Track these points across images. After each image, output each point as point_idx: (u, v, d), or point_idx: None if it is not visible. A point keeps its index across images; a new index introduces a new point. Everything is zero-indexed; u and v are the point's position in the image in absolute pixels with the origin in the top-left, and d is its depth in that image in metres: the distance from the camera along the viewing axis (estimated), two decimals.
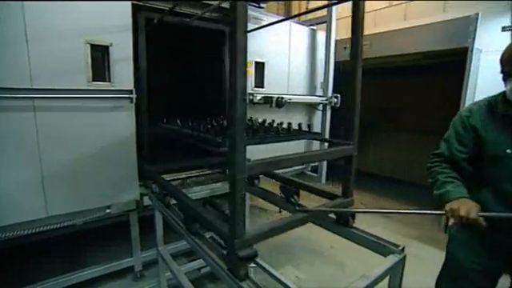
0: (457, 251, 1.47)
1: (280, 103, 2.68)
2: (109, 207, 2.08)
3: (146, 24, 2.18)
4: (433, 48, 3.56)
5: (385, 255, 1.33)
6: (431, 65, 4.23)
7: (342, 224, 1.52)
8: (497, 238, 1.30)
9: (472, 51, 3.23)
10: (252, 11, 2.75)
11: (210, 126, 1.78)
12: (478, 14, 3.18)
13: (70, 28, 1.80)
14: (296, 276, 2.60)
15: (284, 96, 2.76)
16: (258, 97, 2.73)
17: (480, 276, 1.39)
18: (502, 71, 1.26)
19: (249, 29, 2.38)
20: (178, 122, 2.01)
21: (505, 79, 1.26)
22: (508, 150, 1.24)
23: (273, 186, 1.99)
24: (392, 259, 1.29)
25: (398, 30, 3.79)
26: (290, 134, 1.73)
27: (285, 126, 1.84)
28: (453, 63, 3.52)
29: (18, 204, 1.77)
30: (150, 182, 2.14)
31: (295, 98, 3.00)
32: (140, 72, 2.16)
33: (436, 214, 1.26)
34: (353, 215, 1.51)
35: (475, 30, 3.20)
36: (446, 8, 4.09)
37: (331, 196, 1.63)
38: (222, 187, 2.35)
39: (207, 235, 1.53)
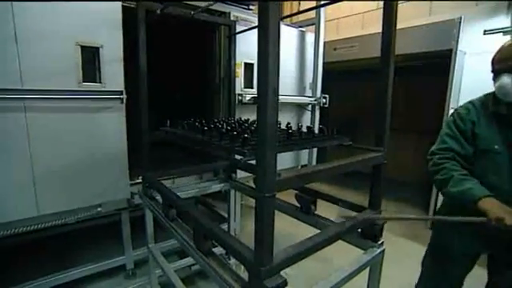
0: (445, 238, 1.59)
1: None
2: (100, 206, 2.11)
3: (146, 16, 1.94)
4: (418, 50, 3.67)
5: (366, 249, 1.40)
6: (415, 67, 4.35)
7: (368, 238, 1.41)
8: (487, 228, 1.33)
9: (456, 53, 3.34)
10: (241, 13, 2.79)
11: (224, 131, 1.46)
12: (460, 18, 3.30)
13: (61, 29, 1.82)
14: (285, 272, 2.67)
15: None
16: (248, 97, 2.78)
17: (463, 258, 1.54)
18: (493, 70, 1.39)
19: (237, 30, 2.45)
20: (185, 125, 1.82)
21: (494, 78, 1.38)
22: (496, 146, 1.37)
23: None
24: (371, 252, 1.37)
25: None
26: (314, 138, 1.47)
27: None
28: (436, 65, 3.64)
29: (8, 203, 1.79)
30: (151, 190, 1.98)
31: (284, 99, 3.06)
32: (141, 70, 1.93)
33: (478, 222, 1.22)
34: (381, 230, 1.39)
35: (459, 33, 3.31)
36: (433, 11, 4.21)
37: (355, 207, 1.52)
38: (210, 186, 2.34)
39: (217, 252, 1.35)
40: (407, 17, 4.21)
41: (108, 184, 2.14)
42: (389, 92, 1.33)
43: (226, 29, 2.66)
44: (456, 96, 3.64)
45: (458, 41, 3.32)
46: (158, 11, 1.94)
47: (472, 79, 3.62)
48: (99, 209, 2.11)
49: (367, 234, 1.41)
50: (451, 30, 3.35)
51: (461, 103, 3.65)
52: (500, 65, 1.35)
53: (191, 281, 2.53)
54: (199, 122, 1.82)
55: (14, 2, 1.65)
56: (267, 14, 0.80)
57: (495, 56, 1.40)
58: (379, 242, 1.41)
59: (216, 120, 2.13)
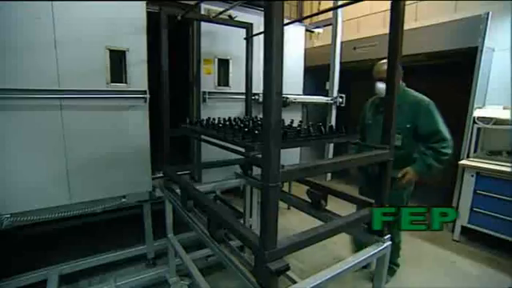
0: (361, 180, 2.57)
1: (284, 103, 2.80)
2: (124, 197, 2.29)
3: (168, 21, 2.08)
4: (442, 48, 3.55)
5: (370, 244, 1.44)
6: (439, 65, 4.20)
7: (375, 233, 1.45)
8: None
9: (482, 50, 3.20)
10: (212, 6, 2.61)
11: (237, 128, 1.58)
12: (488, 14, 3.16)
13: (92, 35, 2.01)
14: (300, 268, 2.72)
15: (289, 96, 2.87)
16: (219, 96, 2.76)
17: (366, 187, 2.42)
18: (373, 79, 2.24)
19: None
20: (203, 123, 1.95)
21: (373, 84, 2.25)
22: (369, 121, 2.42)
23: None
24: (376, 247, 1.41)
25: (406, 31, 3.80)
26: (322, 136, 1.51)
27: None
28: (460, 63, 3.50)
29: (45, 191, 2.00)
30: (170, 183, 2.15)
31: (300, 98, 3.09)
32: (163, 71, 2.08)
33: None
34: (388, 225, 1.45)
35: (485, 29, 3.18)
36: (458, 7, 4.05)
37: (362, 202, 1.59)
38: (227, 182, 2.44)
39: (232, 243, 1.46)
40: (431, 14, 4.09)
41: (132, 177, 2.31)
42: (395, 91, 1.37)
43: (198, 24, 2.56)
44: (483, 94, 3.49)
45: (484, 37, 3.19)
46: (179, 17, 2.07)
47: (500, 77, 3.45)
48: (123, 200, 2.28)
49: (374, 230, 1.45)
50: (478, 26, 3.22)
51: (488, 101, 3.52)
52: (375, 76, 2.22)
53: (207, 271, 2.65)
54: (217, 120, 1.94)
55: (55, 11, 1.85)
56: (271, 13, 0.87)
57: (372, 70, 2.26)
58: (385, 237, 1.43)
59: (233, 118, 2.18)
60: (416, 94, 2.26)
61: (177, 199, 1.94)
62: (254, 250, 1.09)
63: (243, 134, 1.37)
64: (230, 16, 2.45)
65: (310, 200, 1.75)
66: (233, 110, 2.74)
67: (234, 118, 2.14)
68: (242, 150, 1.45)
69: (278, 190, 0.97)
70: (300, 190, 2.30)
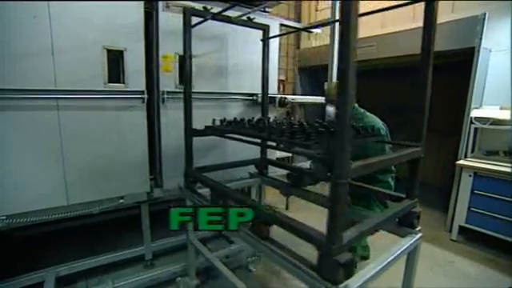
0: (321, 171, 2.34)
1: (283, 103, 2.80)
2: (122, 198, 2.27)
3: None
4: (439, 48, 3.56)
5: (403, 236, 1.49)
6: (437, 65, 4.21)
7: (405, 225, 1.52)
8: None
9: (479, 51, 3.22)
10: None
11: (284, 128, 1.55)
12: (484, 14, 3.18)
13: (90, 35, 1.99)
14: None
15: (287, 96, 2.87)
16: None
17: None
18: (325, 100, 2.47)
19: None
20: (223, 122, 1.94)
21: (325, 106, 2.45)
22: None
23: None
24: (410, 238, 1.45)
25: (404, 31, 3.82)
26: (359, 134, 1.53)
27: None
28: (457, 63, 3.52)
29: (41, 192, 1.97)
30: (193, 184, 2.13)
31: (298, 99, 3.10)
32: (185, 72, 2.04)
33: None
34: (418, 217, 1.52)
35: (482, 30, 3.19)
36: (456, 8, 4.07)
37: (392, 197, 1.65)
38: (242, 181, 2.44)
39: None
40: None
41: (130, 177, 2.30)
42: (428, 89, 1.42)
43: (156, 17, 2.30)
44: (480, 94, 3.50)
45: (481, 38, 3.21)
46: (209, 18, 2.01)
47: (497, 77, 3.47)
48: (121, 200, 2.27)
49: (405, 222, 1.52)
50: (475, 26, 3.24)
51: (485, 102, 3.53)
52: (326, 98, 2.45)
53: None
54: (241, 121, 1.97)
55: (52, 11, 1.84)
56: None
57: (326, 91, 2.46)
58: (417, 229, 1.48)
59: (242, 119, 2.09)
60: (372, 118, 2.41)
61: (202, 200, 1.94)
62: (319, 244, 1.11)
63: (291, 133, 1.37)
64: (248, 18, 2.38)
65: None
66: (201, 111, 2.36)
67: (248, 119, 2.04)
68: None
69: (347, 186, 1.02)
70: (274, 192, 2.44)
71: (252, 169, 2.53)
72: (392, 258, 1.29)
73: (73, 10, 1.92)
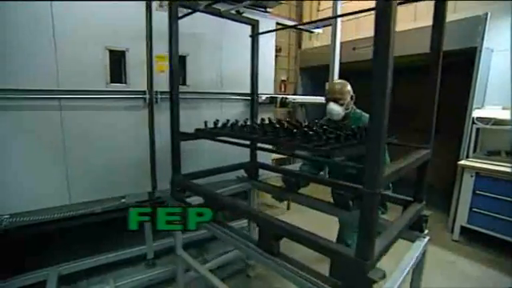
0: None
1: (284, 103, 2.80)
2: (124, 197, 2.29)
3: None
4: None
5: (413, 241, 1.44)
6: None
7: (415, 229, 1.45)
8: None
9: (481, 51, 3.21)
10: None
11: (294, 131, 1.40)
12: (486, 14, 3.17)
13: (92, 36, 2.01)
14: None
15: (288, 96, 2.87)
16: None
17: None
18: (325, 98, 2.14)
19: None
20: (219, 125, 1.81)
21: (325, 105, 2.14)
22: None
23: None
24: (420, 242, 1.40)
25: (404, 31, 3.81)
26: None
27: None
28: (459, 63, 3.51)
29: (43, 192, 1.99)
30: (181, 193, 1.92)
31: (299, 99, 3.10)
32: (173, 68, 1.84)
33: None
34: (426, 221, 1.47)
35: (484, 30, 3.18)
36: (458, 7, 4.06)
37: (399, 201, 1.58)
38: (232, 186, 2.31)
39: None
40: (430, 14, 4.09)
41: (131, 177, 2.31)
42: (437, 89, 1.39)
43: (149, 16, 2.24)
44: (482, 94, 3.49)
45: (483, 38, 3.19)
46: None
47: (499, 77, 3.46)
48: (123, 200, 2.28)
49: (415, 226, 1.45)
50: (476, 26, 3.23)
51: (487, 102, 3.52)
52: (327, 96, 2.11)
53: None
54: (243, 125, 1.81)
55: (55, 11, 1.85)
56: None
57: (326, 88, 2.17)
58: (425, 232, 1.45)
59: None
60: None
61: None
62: (349, 261, 1.00)
63: (302, 137, 1.31)
64: (238, 11, 2.32)
65: (333, 201, 1.75)
66: (193, 111, 2.46)
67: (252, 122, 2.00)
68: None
69: (379, 197, 0.92)
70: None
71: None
72: (410, 266, 1.24)
73: (75, 11, 1.93)
